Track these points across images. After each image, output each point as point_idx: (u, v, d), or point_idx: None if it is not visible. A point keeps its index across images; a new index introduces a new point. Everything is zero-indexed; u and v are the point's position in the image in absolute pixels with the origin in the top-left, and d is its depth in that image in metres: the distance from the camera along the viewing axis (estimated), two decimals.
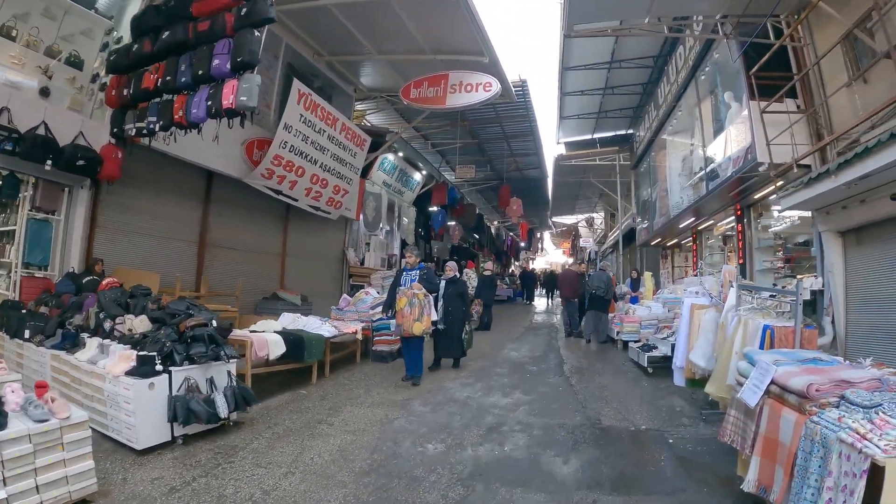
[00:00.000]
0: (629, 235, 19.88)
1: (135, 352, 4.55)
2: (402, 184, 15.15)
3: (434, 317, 7.34)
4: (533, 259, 44.68)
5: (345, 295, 10.06)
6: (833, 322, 6.60)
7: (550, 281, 20.22)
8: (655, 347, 7.56)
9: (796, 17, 7.54)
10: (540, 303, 25.30)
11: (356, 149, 11.44)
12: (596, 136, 18.26)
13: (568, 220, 36.14)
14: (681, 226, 13.13)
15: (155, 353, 4.50)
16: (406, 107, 13.67)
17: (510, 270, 35.80)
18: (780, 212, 8.46)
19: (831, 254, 7.05)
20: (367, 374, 7.69)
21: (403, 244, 16.43)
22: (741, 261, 10.48)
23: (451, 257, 21.46)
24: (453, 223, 20.77)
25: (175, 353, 4.60)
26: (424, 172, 16.01)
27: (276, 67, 10.36)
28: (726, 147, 9.35)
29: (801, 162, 7.16)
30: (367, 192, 13.33)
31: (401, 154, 14.16)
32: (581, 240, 36.47)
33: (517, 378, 7.48)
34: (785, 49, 7.76)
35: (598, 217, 31.95)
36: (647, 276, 12.83)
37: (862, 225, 6.48)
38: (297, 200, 10.39)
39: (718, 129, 10.00)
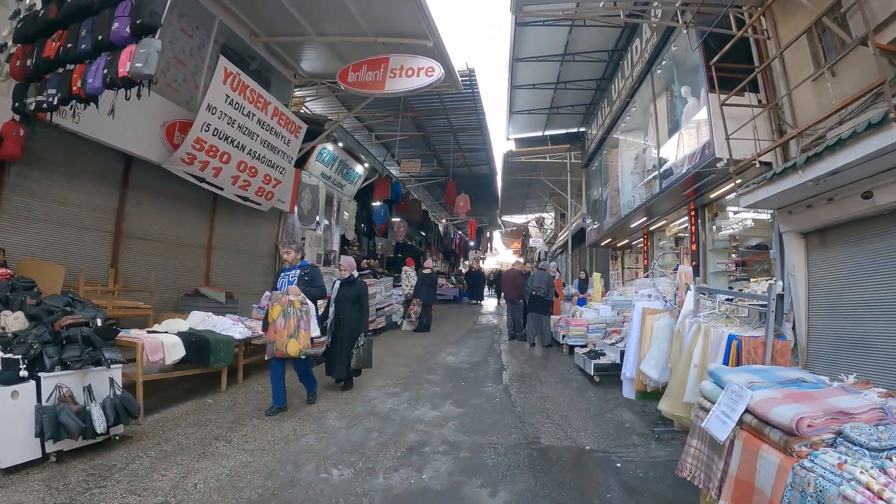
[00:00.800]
0: (579, 235, 19.58)
1: None
2: (343, 176, 14.10)
3: (314, 331, 5.64)
4: (483, 259, 44.14)
5: (267, 292, 8.98)
6: (794, 329, 6.15)
7: (499, 281, 19.67)
8: (603, 354, 6.92)
9: (759, 8, 7.10)
10: (490, 303, 24.65)
11: (290, 136, 10.39)
12: (547, 133, 17.79)
13: (518, 219, 35.87)
14: (632, 225, 12.74)
15: (19, 357, 3.88)
16: (348, 94, 12.83)
17: (459, 269, 35.15)
18: (736, 211, 8.04)
19: (793, 256, 6.66)
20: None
21: (344, 240, 15.40)
22: (694, 263, 10.09)
23: (395, 255, 20.57)
24: (398, 219, 19.83)
25: (45, 357, 4.00)
26: (367, 165, 15.03)
27: (208, 47, 9.36)
28: (682, 143, 8.92)
29: (762, 159, 6.77)
30: (304, 183, 12.24)
31: (341, 144, 13.13)
32: (531, 240, 36.31)
33: (450, 386, 6.72)
34: (747, 42, 7.40)
35: (549, 217, 31.78)
36: (596, 277, 12.34)
37: (827, 226, 6.14)
38: (222, 189, 9.29)
39: (674, 125, 9.58)
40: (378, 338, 10.74)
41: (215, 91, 8.30)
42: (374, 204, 16.75)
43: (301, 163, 11.89)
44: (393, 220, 19.45)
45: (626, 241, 15.65)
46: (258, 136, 9.43)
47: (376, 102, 12.60)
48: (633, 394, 5.49)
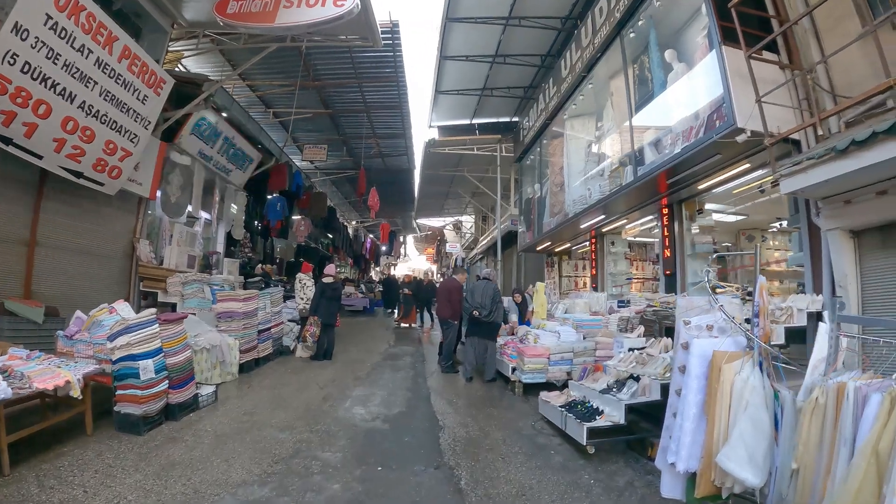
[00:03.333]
0: (507, 239, 17.54)
1: None
2: (230, 159, 10.93)
3: None
4: (394, 265, 41.25)
5: (78, 313, 5.79)
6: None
7: (419, 293, 15.97)
8: (600, 413, 4.52)
9: None
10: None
11: (147, 91, 7.36)
12: (476, 121, 15.62)
13: (435, 222, 33.53)
14: (582, 226, 10.75)
15: None
16: (236, 51, 9.91)
17: (369, 276, 32.12)
18: (782, 194, 6.08)
19: (842, 261, 4.77)
20: (98, 457, 3.80)
21: (230, 239, 12.27)
22: (668, 272, 8.18)
23: (297, 259, 17.31)
24: (298, 217, 16.66)
25: None
26: (261, 146, 11.92)
27: None
28: (668, 118, 6.93)
29: (792, 136, 4.95)
30: (172, 162, 9.11)
31: (226, 115, 9.97)
32: (448, 245, 34.13)
33: (359, 476, 3.84)
34: None
35: (468, 220, 29.77)
36: (540, 288, 10.15)
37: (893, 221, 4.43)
38: (41, 158, 6.11)
39: (646, 99, 7.62)
40: (260, 371, 7.78)
41: (30, 5, 5.26)
42: (269, 197, 13.50)
43: (170, 135, 8.86)
44: (293, 218, 16.29)
45: (567, 245, 13.72)
46: (97, 83, 6.38)
47: (272, 62, 9.77)
48: (681, 493, 3.20)
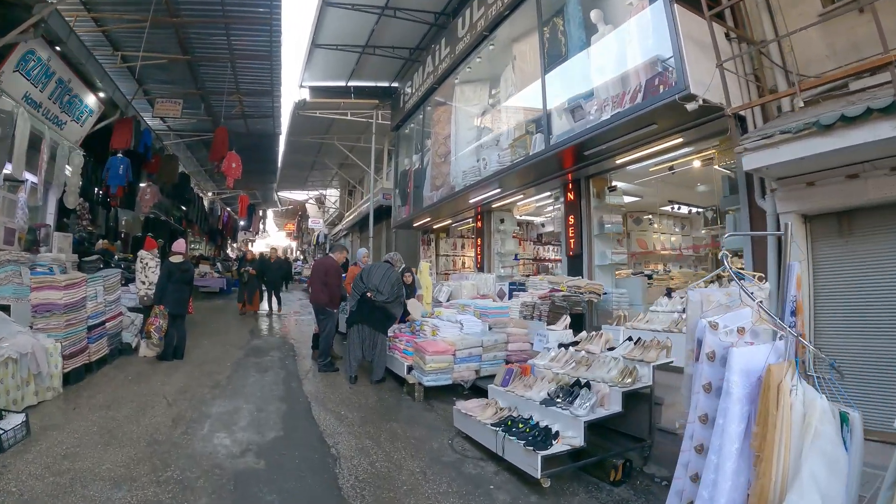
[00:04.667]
0: (377, 214, 16.19)
1: None
2: (64, 108, 8.26)
3: None
4: (252, 241, 37.26)
5: None
6: None
7: (266, 273, 13.74)
8: (555, 435, 3.46)
9: None
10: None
11: None
12: (352, 83, 13.88)
13: (297, 195, 30.73)
14: (471, 200, 9.79)
15: None
16: None
17: (226, 254, 28.49)
18: (744, 170, 5.60)
19: (795, 248, 4.40)
20: None
21: (63, 209, 9.59)
22: (571, 252, 7.60)
23: (144, 234, 14.21)
24: (145, 184, 13.59)
25: None
26: (104, 96, 9.11)
27: None
28: (588, 83, 6.23)
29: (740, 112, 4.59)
30: None
31: (59, 49, 7.36)
32: (310, 220, 31.60)
33: None
34: None
35: (333, 194, 27.70)
36: (424, 269, 9.08)
37: (857, 207, 4.15)
38: None
39: (558, 60, 6.89)
40: (93, 381, 5.86)
41: None
42: (111, 158, 10.52)
43: None
44: (140, 185, 13.22)
45: (448, 222, 12.80)
46: None
47: None
48: None
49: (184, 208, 18.45)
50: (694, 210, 10.71)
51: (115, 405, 4.95)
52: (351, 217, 21.58)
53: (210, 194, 24.33)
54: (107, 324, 6.68)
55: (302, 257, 35.87)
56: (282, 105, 14.62)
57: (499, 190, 8.85)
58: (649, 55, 5.36)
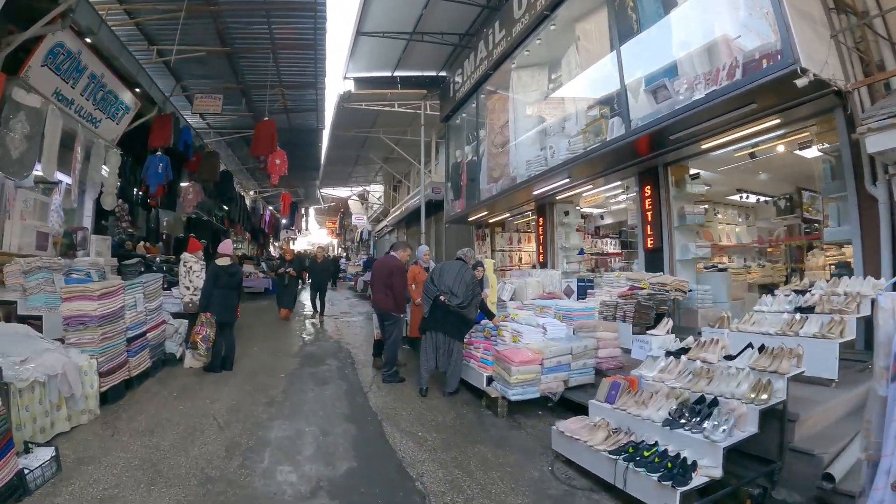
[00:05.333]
0: (425, 210, 15.86)
1: None
2: (98, 104, 8.14)
3: None
4: (294, 239, 37.53)
5: None
6: None
7: (311, 274, 13.01)
8: (693, 466, 2.91)
9: None
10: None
11: None
12: (398, 73, 13.53)
13: (339, 192, 30.77)
14: (535, 192, 9.26)
15: None
16: None
17: (269, 252, 28.85)
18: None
19: None
20: None
21: (100, 210, 9.42)
22: (651, 246, 7.03)
23: (186, 234, 14.23)
24: (188, 184, 13.64)
25: None
26: (140, 92, 9.06)
27: None
28: (669, 59, 5.65)
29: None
30: (16, 102, 6.26)
31: (91, 42, 7.18)
32: (353, 217, 31.63)
33: None
34: None
35: (377, 190, 27.56)
36: (489, 266, 8.61)
37: None
38: None
39: (628, 35, 6.32)
40: (134, 398, 5.40)
41: None
42: (153, 156, 10.48)
43: (14, 67, 6.19)
44: (182, 185, 13.25)
45: (507, 215, 12.31)
46: None
47: None
48: None
49: (226, 207, 18.28)
50: (762, 199, 9.93)
51: (160, 429, 4.47)
52: (397, 213, 21.32)
53: (252, 193, 24.42)
54: (148, 334, 6.23)
55: (345, 255, 36.09)
56: (325, 98, 14.34)
57: (567, 180, 8.28)
58: (746, 27, 4.76)
